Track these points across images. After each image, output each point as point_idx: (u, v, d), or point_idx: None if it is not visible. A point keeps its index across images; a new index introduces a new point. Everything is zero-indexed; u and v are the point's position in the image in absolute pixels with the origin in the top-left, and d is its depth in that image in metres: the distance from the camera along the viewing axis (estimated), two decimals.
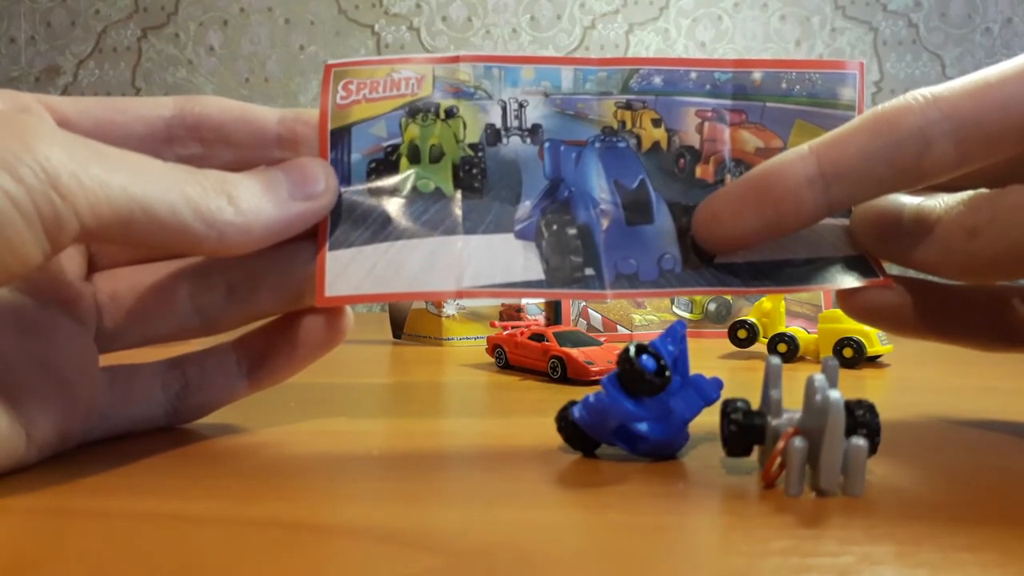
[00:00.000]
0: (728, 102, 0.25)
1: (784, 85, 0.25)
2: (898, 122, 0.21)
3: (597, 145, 0.25)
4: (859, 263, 0.24)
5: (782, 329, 0.51)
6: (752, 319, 0.53)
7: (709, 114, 0.25)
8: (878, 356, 0.47)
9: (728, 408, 0.22)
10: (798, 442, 0.19)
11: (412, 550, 0.16)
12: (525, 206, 0.24)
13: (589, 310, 0.63)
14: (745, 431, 0.21)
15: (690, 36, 1.08)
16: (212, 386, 0.25)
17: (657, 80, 0.25)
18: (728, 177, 0.25)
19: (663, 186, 0.25)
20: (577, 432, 0.23)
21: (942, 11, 1.06)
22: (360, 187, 0.24)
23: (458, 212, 0.24)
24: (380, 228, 0.23)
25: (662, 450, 0.23)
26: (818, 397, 0.19)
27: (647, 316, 0.65)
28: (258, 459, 0.23)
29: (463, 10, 1.13)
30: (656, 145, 0.25)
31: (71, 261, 0.23)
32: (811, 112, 0.25)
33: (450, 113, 0.24)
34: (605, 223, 0.24)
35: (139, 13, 1.19)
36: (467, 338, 0.59)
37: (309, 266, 0.23)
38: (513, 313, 0.61)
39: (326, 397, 0.35)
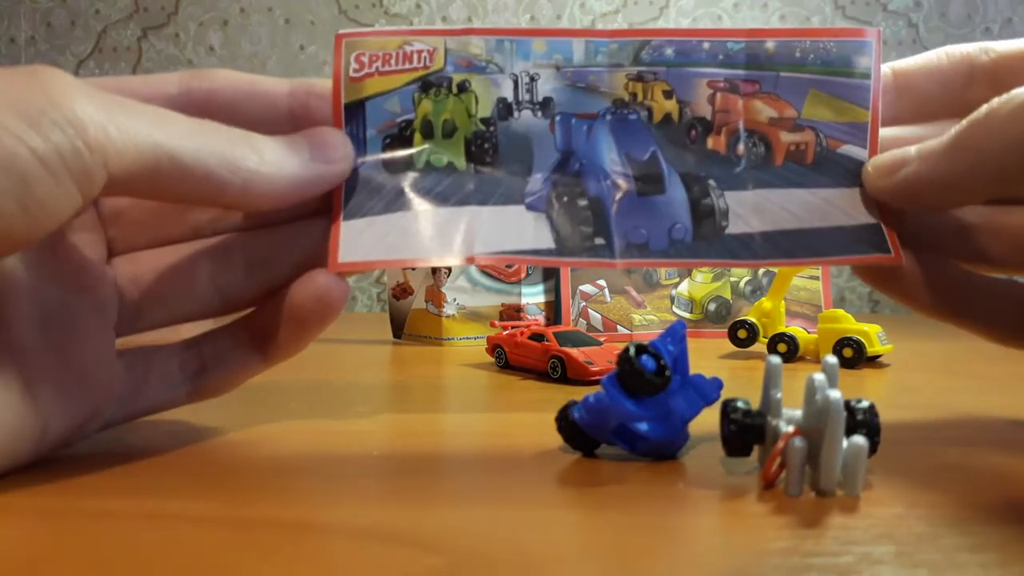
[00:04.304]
0: (741, 72, 0.25)
1: (798, 54, 0.25)
2: None
3: (608, 117, 0.25)
4: (874, 233, 0.24)
5: (782, 329, 0.51)
6: (752, 319, 0.53)
7: (721, 84, 0.25)
8: (878, 356, 0.47)
9: (728, 408, 0.22)
10: (798, 442, 0.19)
11: (412, 550, 0.16)
12: (536, 178, 0.24)
13: (589, 310, 0.63)
14: (745, 431, 0.21)
15: None
16: (229, 364, 0.25)
17: (669, 51, 0.25)
18: (741, 147, 0.25)
19: (675, 158, 0.25)
20: (577, 432, 0.23)
21: (942, 11, 1.06)
22: (374, 159, 0.24)
23: (470, 185, 0.24)
24: (393, 199, 0.23)
25: (662, 450, 0.23)
26: (818, 397, 0.19)
27: (647, 316, 0.65)
28: (258, 459, 0.23)
29: (463, 10, 1.13)
30: (668, 117, 0.25)
31: (91, 246, 0.23)
32: (825, 81, 0.25)
33: (462, 87, 0.24)
34: (616, 194, 0.24)
35: (139, 13, 1.19)
36: (467, 338, 0.59)
37: (324, 240, 0.23)
38: (513, 313, 0.61)
39: (327, 397, 0.34)
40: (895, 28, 1.07)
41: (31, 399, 0.20)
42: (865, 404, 0.21)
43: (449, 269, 0.59)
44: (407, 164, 0.24)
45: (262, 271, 0.24)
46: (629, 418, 0.22)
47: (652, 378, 0.22)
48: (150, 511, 0.18)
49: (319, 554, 0.16)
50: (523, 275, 0.61)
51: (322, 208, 0.24)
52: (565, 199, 0.24)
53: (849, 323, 0.47)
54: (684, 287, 0.68)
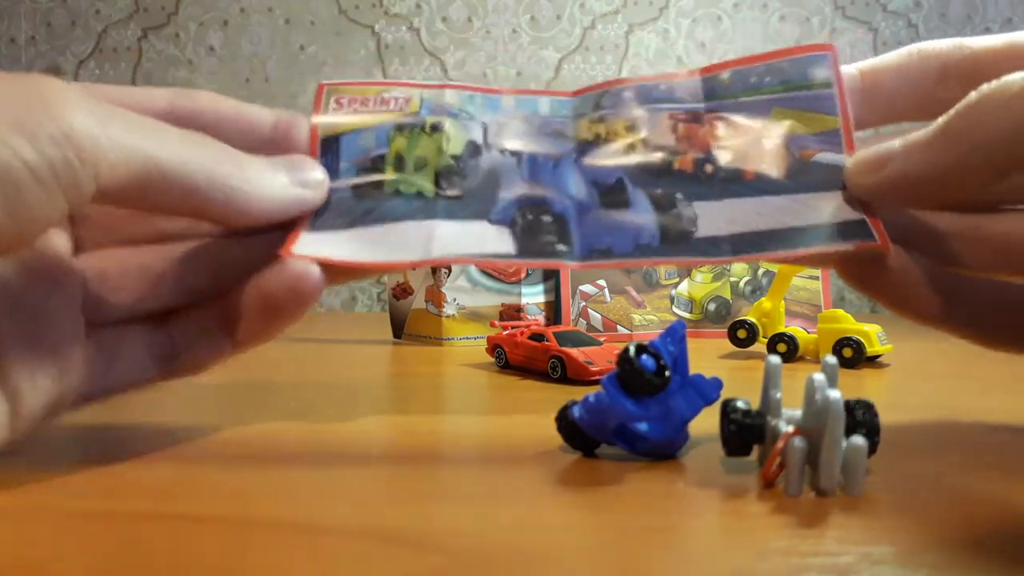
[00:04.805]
0: (702, 105, 0.26)
1: (753, 79, 0.26)
2: None
3: (574, 156, 0.26)
4: (858, 227, 0.23)
5: (782, 329, 0.51)
6: (752, 319, 0.53)
7: (682, 116, 0.26)
8: (878, 356, 0.47)
9: (728, 408, 0.22)
10: (798, 442, 0.19)
11: (412, 550, 0.16)
12: (502, 202, 0.25)
13: (589, 310, 0.63)
14: (745, 431, 0.21)
15: (690, 36, 1.08)
16: (199, 347, 0.25)
17: (628, 95, 0.26)
18: (708, 167, 0.25)
19: (642, 182, 0.25)
20: (577, 432, 0.23)
21: (942, 11, 1.06)
22: (345, 185, 0.25)
23: (437, 207, 0.25)
24: (358, 218, 0.24)
25: (662, 450, 0.23)
26: (818, 397, 0.19)
27: (647, 316, 0.65)
28: (258, 459, 0.23)
29: (463, 10, 1.13)
30: (631, 147, 0.26)
31: (58, 237, 0.23)
32: (786, 98, 0.25)
33: (436, 128, 0.26)
34: (581, 213, 0.25)
35: (139, 13, 1.19)
36: (467, 338, 0.59)
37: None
38: (513, 313, 0.61)
39: (327, 397, 0.35)
40: (895, 28, 1.07)
41: (2, 378, 0.20)
42: (865, 404, 0.21)
43: (449, 269, 0.59)
44: (376, 190, 0.25)
45: (230, 274, 0.25)
46: (629, 418, 0.22)
47: (652, 378, 0.22)
48: (150, 511, 0.18)
49: (319, 554, 0.16)
50: (523, 275, 0.61)
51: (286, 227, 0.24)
52: (530, 216, 0.25)
53: (849, 323, 0.47)
54: (684, 287, 0.68)
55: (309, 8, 1.15)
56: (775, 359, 0.22)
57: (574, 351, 0.40)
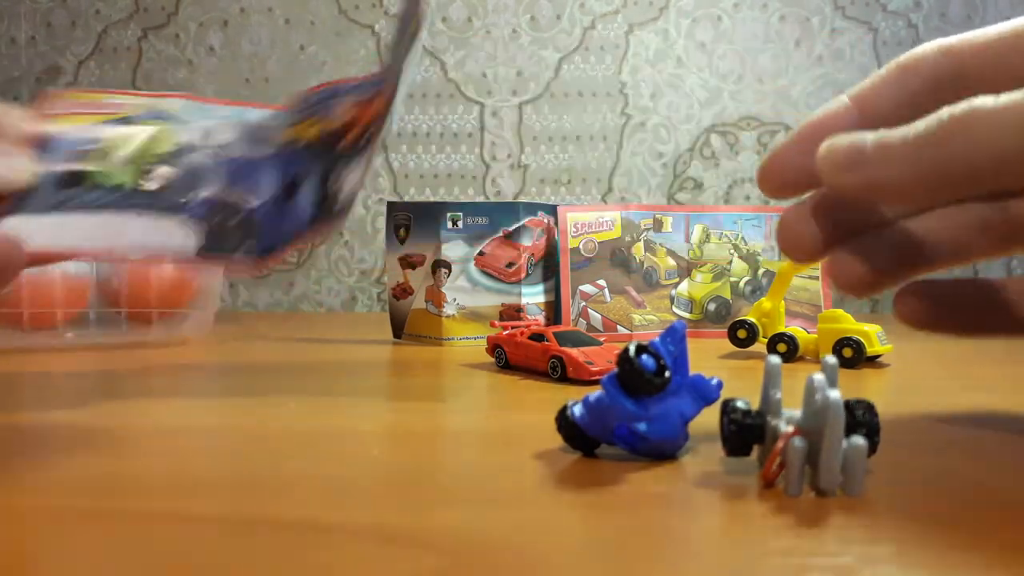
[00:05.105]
0: (371, 86, 0.29)
1: (391, 51, 0.30)
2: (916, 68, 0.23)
3: (271, 157, 0.30)
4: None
5: (782, 329, 0.51)
6: (752, 319, 0.53)
7: (349, 100, 0.30)
8: (878, 356, 0.47)
9: (728, 408, 0.22)
10: (798, 442, 0.19)
11: (412, 550, 0.16)
12: (196, 200, 0.28)
13: (589, 310, 0.63)
14: (745, 431, 0.21)
15: (690, 36, 1.08)
16: None
17: (318, 96, 0.30)
18: (364, 138, 0.29)
19: (315, 167, 0.29)
20: (577, 432, 0.23)
21: (942, 11, 1.06)
22: (50, 174, 0.26)
23: (133, 200, 0.27)
24: (57, 204, 0.26)
25: (662, 450, 0.23)
26: (818, 397, 0.19)
27: (647, 316, 0.65)
28: (258, 459, 0.23)
29: (463, 10, 1.13)
30: (315, 139, 0.29)
31: None
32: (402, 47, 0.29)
33: (146, 128, 0.28)
34: (266, 210, 0.29)
35: (139, 13, 1.18)
36: (467, 338, 0.59)
37: None
38: (513, 313, 0.61)
39: (326, 397, 0.35)
40: (895, 28, 1.07)
41: None
42: (865, 404, 0.21)
43: (449, 269, 0.59)
44: (77, 181, 0.27)
45: None
46: (629, 418, 0.22)
47: (652, 378, 0.22)
48: (150, 511, 0.18)
49: (319, 554, 0.16)
50: (523, 275, 0.62)
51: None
52: (218, 218, 0.28)
53: (849, 323, 0.47)
54: (684, 287, 0.68)
55: (309, 8, 1.15)
56: (775, 359, 0.22)
57: (574, 351, 0.40)
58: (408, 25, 0.29)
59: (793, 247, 0.25)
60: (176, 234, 0.27)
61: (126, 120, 0.28)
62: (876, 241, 0.25)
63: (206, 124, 0.29)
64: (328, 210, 0.28)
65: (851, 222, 0.25)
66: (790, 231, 0.25)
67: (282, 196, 0.29)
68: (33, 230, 0.25)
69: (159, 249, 0.26)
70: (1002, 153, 0.19)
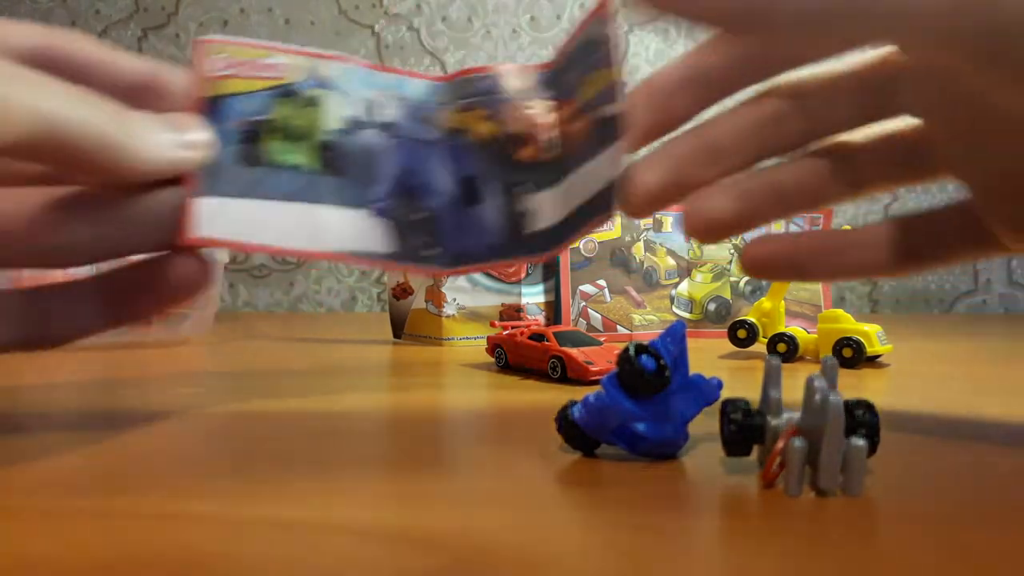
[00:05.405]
0: (542, 92, 0.27)
1: (572, 56, 0.26)
2: None
3: (439, 143, 0.27)
4: (610, 191, 0.24)
5: (782, 329, 0.51)
6: (752, 319, 0.53)
7: (527, 104, 0.27)
8: (878, 356, 0.47)
9: (728, 408, 0.22)
10: (798, 442, 0.19)
11: (412, 550, 0.16)
12: (380, 188, 0.26)
13: (589, 310, 0.63)
14: (745, 431, 0.21)
15: (690, 36, 1.08)
16: (72, 318, 0.25)
17: (481, 84, 0.28)
18: (548, 153, 0.26)
19: (494, 173, 0.27)
20: (577, 432, 0.23)
21: None
22: (228, 151, 0.25)
23: (317, 186, 0.25)
24: (245, 188, 0.25)
25: (662, 450, 0.23)
26: (817, 397, 0.19)
27: (647, 316, 0.65)
28: (258, 459, 0.23)
29: (463, 10, 1.13)
30: (488, 138, 0.27)
31: None
32: (587, 64, 0.26)
33: (315, 101, 0.26)
34: (445, 208, 0.26)
35: (139, 13, 1.19)
36: (467, 338, 0.59)
37: (175, 208, 0.24)
38: (513, 313, 0.61)
39: (326, 397, 0.35)
40: None
41: None
42: (865, 404, 0.21)
43: None
44: (258, 159, 0.25)
45: (109, 228, 0.24)
46: (629, 418, 0.22)
47: (652, 378, 0.22)
48: (150, 511, 0.18)
49: (319, 554, 0.16)
50: (523, 275, 0.62)
51: (177, 181, 0.24)
52: (404, 211, 0.26)
53: (849, 323, 0.47)
54: (684, 287, 0.68)
55: (309, 8, 1.15)
56: (775, 359, 0.22)
57: (574, 351, 0.40)
58: (598, 51, 0.25)
59: (640, 198, 0.24)
60: (368, 231, 0.25)
61: (289, 90, 0.26)
62: (732, 186, 0.25)
63: (367, 95, 0.27)
64: (509, 232, 0.26)
65: (704, 168, 0.24)
66: (639, 180, 0.24)
67: (462, 197, 0.27)
68: (231, 219, 0.24)
69: (358, 251, 0.25)
70: None
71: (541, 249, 0.25)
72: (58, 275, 0.28)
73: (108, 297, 0.25)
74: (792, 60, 0.24)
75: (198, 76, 0.25)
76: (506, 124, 0.27)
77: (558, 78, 0.27)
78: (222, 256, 0.63)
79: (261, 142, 0.25)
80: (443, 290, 0.59)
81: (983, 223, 0.24)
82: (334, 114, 0.26)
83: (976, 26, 0.18)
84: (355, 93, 0.27)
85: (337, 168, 0.26)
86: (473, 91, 0.27)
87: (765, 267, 0.26)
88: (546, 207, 0.26)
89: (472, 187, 0.27)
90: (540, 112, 0.27)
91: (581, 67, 0.26)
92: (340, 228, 0.25)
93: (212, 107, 0.25)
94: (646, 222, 0.67)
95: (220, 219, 0.24)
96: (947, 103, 0.23)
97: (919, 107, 0.24)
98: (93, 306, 0.25)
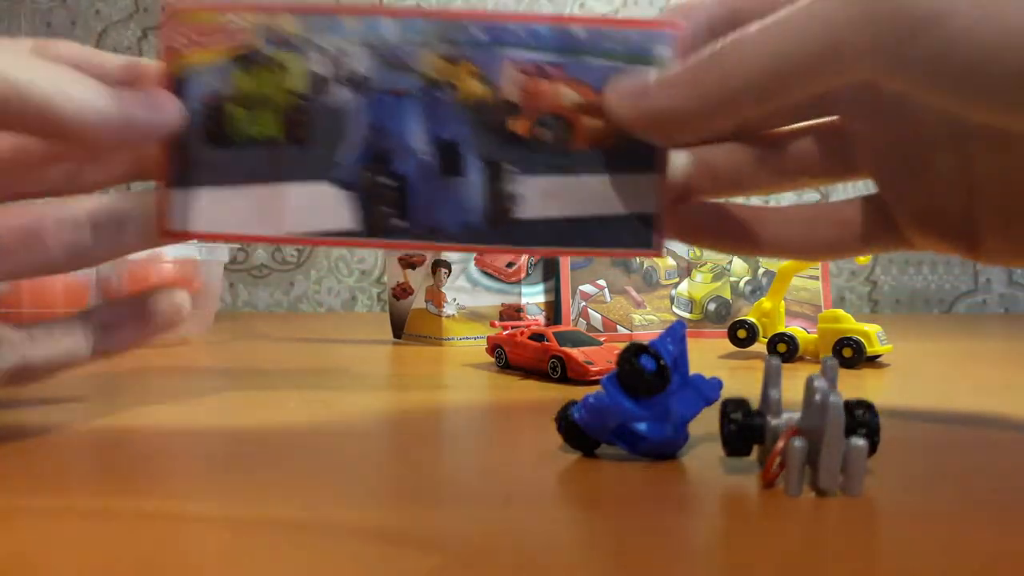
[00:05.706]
0: (549, 56, 0.25)
1: (605, 43, 0.25)
2: None
3: (418, 96, 0.25)
4: (642, 225, 0.24)
5: (782, 329, 0.51)
6: (752, 319, 0.53)
7: (529, 68, 0.25)
8: (878, 356, 0.47)
9: (728, 408, 0.22)
10: (798, 442, 0.19)
11: (412, 550, 0.16)
12: (347, 154, 0.25)
13: (589, 310, 0.63)
14: (745, 431, 0.21)
15: None
16: (58, 351, 0.26)
17: (476, 32, 0.25)
18: (542, 131, 0.25)
19: (481, 141, 0.25)
20: (577, 432, 0.23)
21: None
22: (197, 131, 0.25)
23: (286, 159, 0.25)
24: (216, 174, 0.24)
25: (662, 450, 0.23)
26: (817, 397, 0.19)
27: (647, 316, 0.65)
28: (258, 459, 0.23)
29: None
30: (478, 99, 0.25)
31: None
32: (627, 69, 0.24)
33: (277, 63, 0.25)
34: (418, 175, 0.25)
35: (139, 13, 1.19)
36: (467, 338, 0.59)
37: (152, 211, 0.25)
38: (513, 313, 0.61)
39: (326, 397, 0.35)
40: None
41: None
42: (865, 404, 0.21)
43: (449, 269, 0.59)
44: (225, 137, 0.25)
45: (110, 231, 0.25)
46: (629, 418, 0.22)
47: (652, 378, 0.22)
48: (150, 511, 0.18)
49: (319, 554, 0.16)
50: (523, 275, 0.62)
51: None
52: (370, 175, 0.25)
53: (849, 323, 0.47)
54: (684, 287, 0.68)
55: None
56: (775, 359, 0.22)
57: (574, 351, 0.40)
58: (641, 63, 0.24)
59: None
60: (334, 207, 0.24)
61: (250, 57, 0.25)
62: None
63: (334, 44, 0.25)
64: (490, 214, 0.24)
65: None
66: None
67: (439, 164, 0.24)
68: (204, 208, 0.24)
69: (323, 231, 0.24)
70: (772, 64, 0.20)
71: (525, 244, 0.24)
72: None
73: (93, 330, 0.26)
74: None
75: (165, 48, 0.25)
76: (500, 88, 0.24)
77: (566, 47, 0.25)
78: (222, 256, 0.63)
79: (226, 117, 0.25)
80: (443, 290, 0.59)
81: (892, 218, 0.26)
82: (298, 75, 0.25)
83: (895, 43, 0.19)
84: (319, 47, 0.25)
85: (301, 136, 0.25)
86: (466, 39, 0.25)
87: (693, 233, 0.27)
88: (534, 196, 0.24)
89: (453, 154, 0.25)
90: (539, 81, 0.24)
91: (616, 67, 0.24)
92: (304, 208, 0.24)
93: (179, 84, 0.25)
94: None
95: (193, 210, 0.24)
96: (867, 106, 0.25)
97: (843, 108, 0.26)
98: (79, 339, 0.26)
